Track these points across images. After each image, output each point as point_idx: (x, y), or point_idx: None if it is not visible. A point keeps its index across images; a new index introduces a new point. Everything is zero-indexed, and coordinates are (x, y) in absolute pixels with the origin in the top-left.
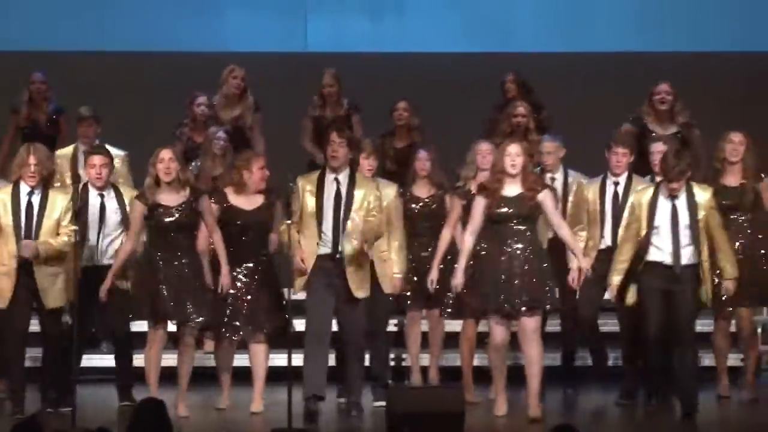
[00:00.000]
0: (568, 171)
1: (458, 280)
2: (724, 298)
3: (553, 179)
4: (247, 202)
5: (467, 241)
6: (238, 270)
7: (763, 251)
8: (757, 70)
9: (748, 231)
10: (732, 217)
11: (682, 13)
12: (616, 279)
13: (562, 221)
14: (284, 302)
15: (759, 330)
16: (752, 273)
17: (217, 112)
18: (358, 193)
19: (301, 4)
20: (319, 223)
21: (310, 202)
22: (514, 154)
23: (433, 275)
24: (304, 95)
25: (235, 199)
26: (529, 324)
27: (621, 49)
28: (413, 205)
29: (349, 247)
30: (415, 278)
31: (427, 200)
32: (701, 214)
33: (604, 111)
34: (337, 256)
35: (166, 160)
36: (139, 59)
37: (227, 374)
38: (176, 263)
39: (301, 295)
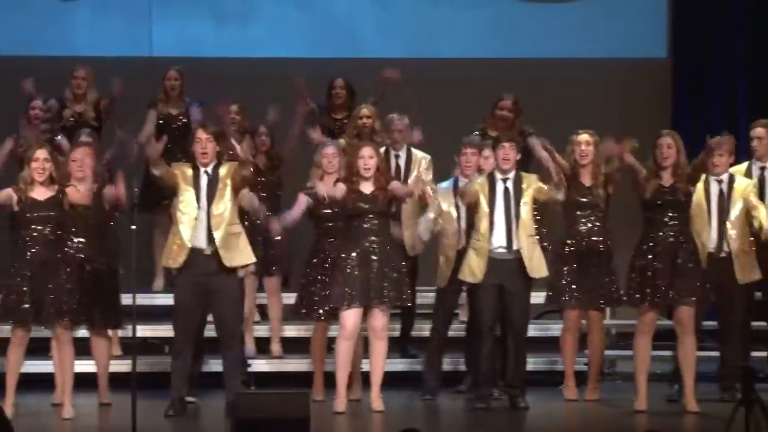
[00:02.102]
0: None
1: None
2: (573, 301)
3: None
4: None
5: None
6: None
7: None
8: (611, 76)
9: (598, 230)
10: (582, 214)
11: (531, 20)
12: None
13: None
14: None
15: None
16: (597, 274)
17: (56, 113)
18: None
19: (146, 9)
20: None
21: (187, 193)
22: (367, 156)
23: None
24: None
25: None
26: (379, 321)
27: (467, 56)
28: None
29: (220, 239)
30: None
31: None
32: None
33: (452, 116)
34: (210, 248)
35: (41, 159)
36: None
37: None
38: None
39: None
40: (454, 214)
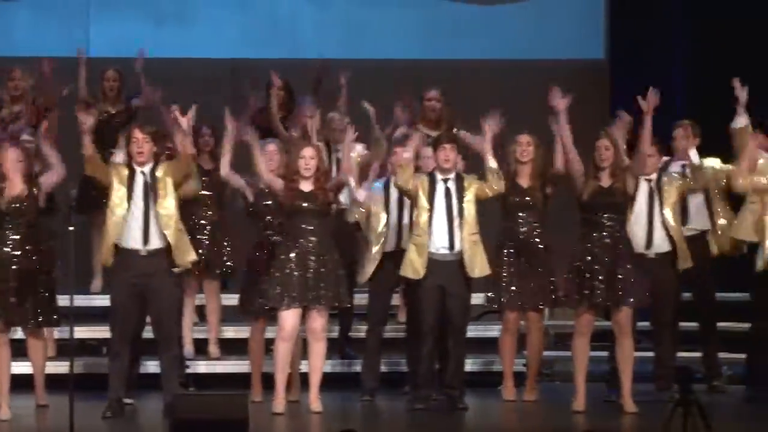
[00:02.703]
0: None
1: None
2: (512, 302)
3: None
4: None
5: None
6: None
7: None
8: (549, 78)
9: (537, 230)
10: (521, 215)
11: (469, 21)
12: None
13: None
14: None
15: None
16: (536, 275)
17: None
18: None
19: (84, 10)
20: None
21: (120, 193)
22: (308, 156)
23: None
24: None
25: None
26: (317, 322)
27: (406, 57)
28: None
29: (157, 240)
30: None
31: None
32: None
33: (387, 116)
34: (147, 249)
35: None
36: None
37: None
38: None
39: None
40: (383, 215)
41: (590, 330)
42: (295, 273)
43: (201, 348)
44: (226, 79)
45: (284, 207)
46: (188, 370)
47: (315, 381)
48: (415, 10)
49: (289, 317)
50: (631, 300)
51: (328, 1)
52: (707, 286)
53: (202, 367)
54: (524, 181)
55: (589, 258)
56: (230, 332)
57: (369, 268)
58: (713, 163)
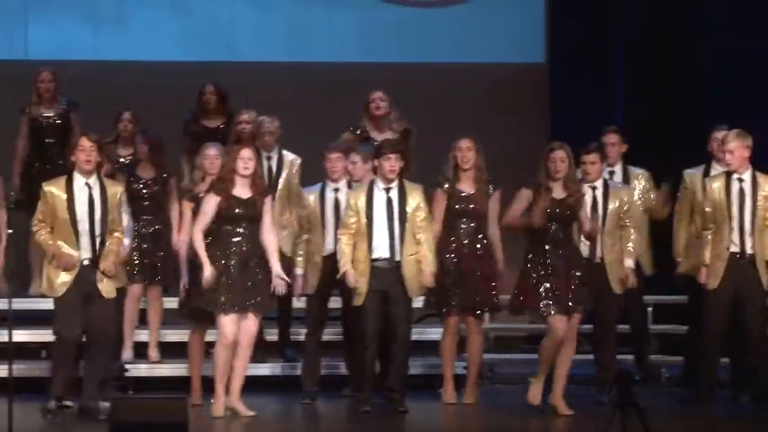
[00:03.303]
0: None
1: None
2: (453, 307)
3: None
4: None
5: (197, 240)
6: None
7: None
8: (490, 81)
9: (479, 236)
10: (464, 221)
11: (409, 24)
12: None
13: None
14: None
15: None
16: (476, 280)
17: None
18: (111, 194)
19: (22, 12)
20: (75, 231)
21: (61, 207)
22: (246, 158)
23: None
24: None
25: None
26: (251, 327)
27: (345, 59)
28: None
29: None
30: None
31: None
32: (417, 212)
33: (326, 119)
34: (89, 260)
35: None
36: None
37: None
38: None
39: None
40: (320, 220)
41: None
42: (236, 279)
43: (142, 352)
44: (165, 83)
45: (220, 212)
46: (128, 374)
47: (238, 385)
48: (355, 13)
49: (229, 322)
50: (581, 307)
51: (267, 3)
52: (634, 290)
53: (142, 370)
54: (467, 187)
55: (546, 267)
56: (171, 336)
57: (314, 279)
58: (640, 185)
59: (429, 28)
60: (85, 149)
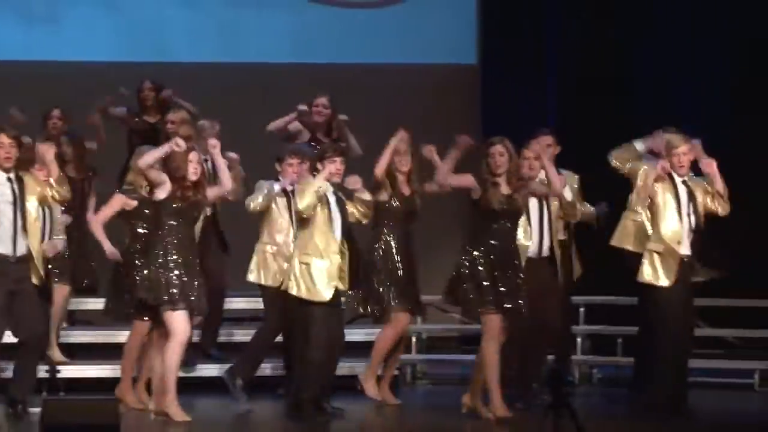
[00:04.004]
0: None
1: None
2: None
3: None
4: None
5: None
6: None
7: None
8: (421, 82)
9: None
10: (400, 223)
11: (341, 24)
12: None
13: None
14: None
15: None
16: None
17: None
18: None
19: None
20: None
21: None
22: (195, 161)
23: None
24: None
25: None
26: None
27: (277, 60)
28: None
29: (24, 246)
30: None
31: None
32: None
33: (257, 120)
34: (16, 255)
35: None
36: None
37: None
38: None
39: None
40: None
41: (500, 333)
42: (183, 278)
43: (74, 352)
44: (97, 83)
45: (173, 207)
46: (60, 375)
47: (171, 386)
48: (287, 13)
49: (182, 319)
50: (523, 305)
51: (198, 4)
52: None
53: (72, 371)
54: (404, 189)
55: (489, 264)
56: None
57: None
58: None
59: (361, 29)
60: (4, 145)
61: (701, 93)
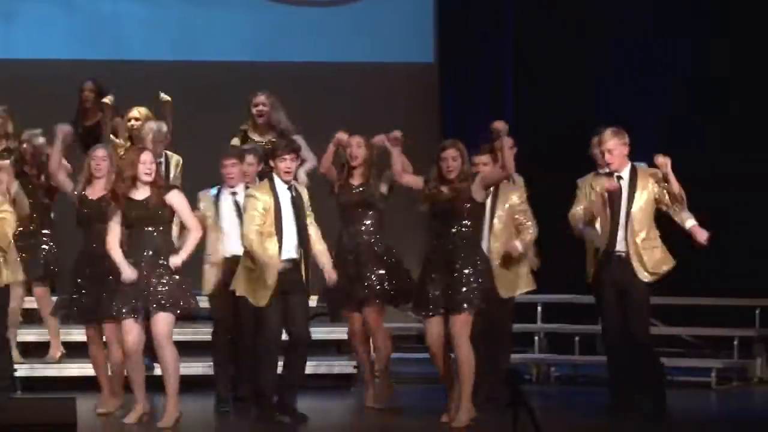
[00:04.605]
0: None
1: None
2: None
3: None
4: None
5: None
6: None
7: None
8: (379, 81)
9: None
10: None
11: (297, 23)
12: None
13: (192, 220)
14: None
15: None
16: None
17: None
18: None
19: None
20: None
21: None
22: (148, 162)
23: None
24: None
25: None
26: (161, 328)
27: (233, 59)
28: None
29: None
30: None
31: None
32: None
33: (212, 118)
34: None
35: None
36: None
37: None
38: None
39: None
40: (218, 222)
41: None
42: (139, 283)
43: (34, 352)
44: (50, 80)
45: (124, 217)
46: (16, 374)
47: (172, 391)
48: (245, 12)
49: (133, 327)
50: (467, 307)
51: (155, 0)
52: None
53: (28, 370)
54: (357, 181)
55: (425, 265)
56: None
57: (213, 278)
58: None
59: (319, 28)
60: None
61: (659, 93)
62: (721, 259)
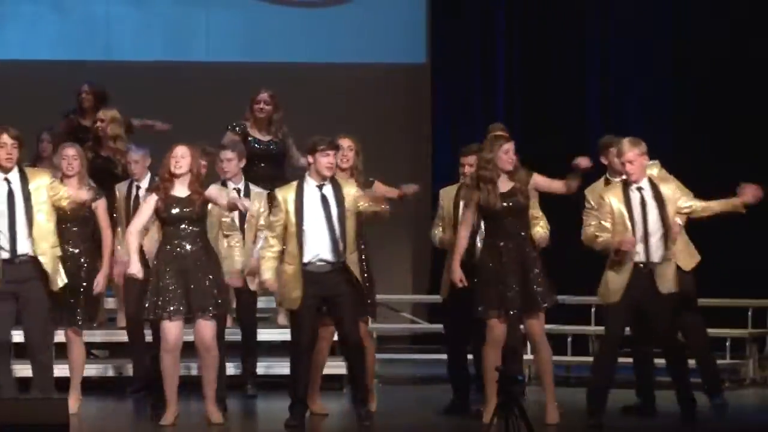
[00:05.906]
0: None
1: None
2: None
3: (138, 187)
4: None
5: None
6: None
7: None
8: (371, 81)
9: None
10: None
11: (289, 23)
12: None
13: None
14: None
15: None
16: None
17: None
18: (33, 187)
19: None
20: None
21: None
22: (179, 156)
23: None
24: None
25: None
26: (206, 330)
27: (225, 59)
28: None
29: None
30: None
31: None
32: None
33: (204, 119)
34: (18, 256)
35: None
36: None
37: None
38: None
39: None
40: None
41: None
42: (175, 283)
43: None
44: (41, 81)
45: (159, 214)
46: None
47: (210, 393)
48: (238, 12)
49: (172, 328)
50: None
51: (145, 1)
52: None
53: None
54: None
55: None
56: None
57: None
58: None
59: (311, 28)
60: (6, 146)
61: (649, 92)
62: (713, 260)
